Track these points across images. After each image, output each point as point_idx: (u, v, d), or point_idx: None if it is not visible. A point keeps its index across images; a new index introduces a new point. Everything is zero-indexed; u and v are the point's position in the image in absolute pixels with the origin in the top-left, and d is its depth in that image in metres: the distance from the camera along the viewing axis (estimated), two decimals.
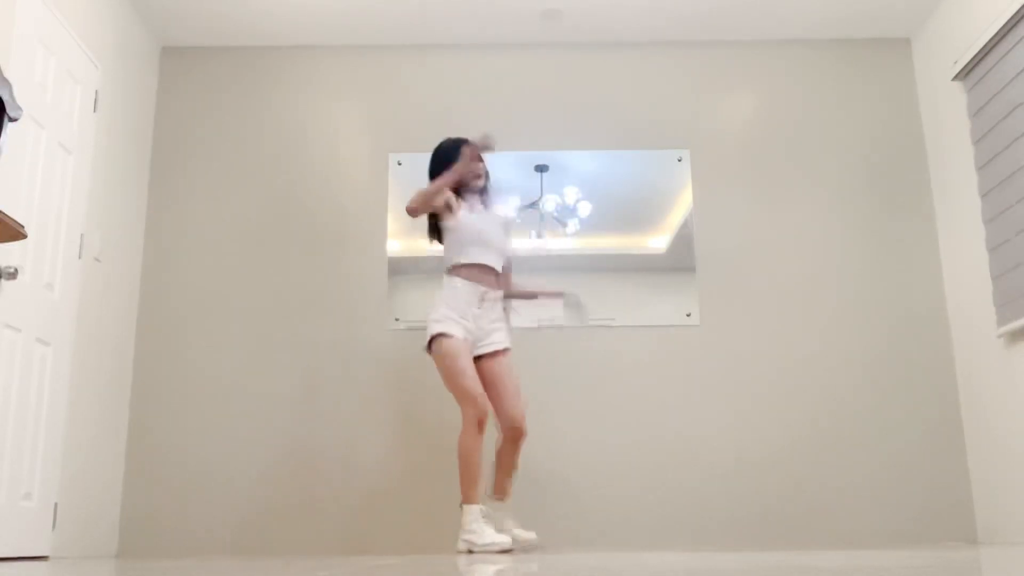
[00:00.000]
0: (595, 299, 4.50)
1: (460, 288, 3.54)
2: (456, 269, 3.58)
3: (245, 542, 4.21)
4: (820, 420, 4.37)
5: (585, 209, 4.59)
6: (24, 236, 2.38)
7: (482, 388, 3.44)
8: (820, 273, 4.55)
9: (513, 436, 3.53)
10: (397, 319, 4.46)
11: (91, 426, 3.96)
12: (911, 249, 4.58)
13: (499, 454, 3.58)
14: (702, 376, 4.43)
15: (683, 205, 4.62)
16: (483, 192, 3.75)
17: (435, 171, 3.69)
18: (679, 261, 4.54)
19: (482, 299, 3.55)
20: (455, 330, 3.46)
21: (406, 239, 4.55)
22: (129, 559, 3.49)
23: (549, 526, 4.22)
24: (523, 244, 4.52)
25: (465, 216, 3.62)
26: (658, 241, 4.59)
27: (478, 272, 3.57)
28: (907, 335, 4.47)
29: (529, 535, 3.53)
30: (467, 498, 3.36)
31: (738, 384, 4.42)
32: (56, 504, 3.64)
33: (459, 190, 3.68)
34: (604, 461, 4.31)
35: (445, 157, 3.69)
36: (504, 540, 3.24)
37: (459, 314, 3.50)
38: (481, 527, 3.29)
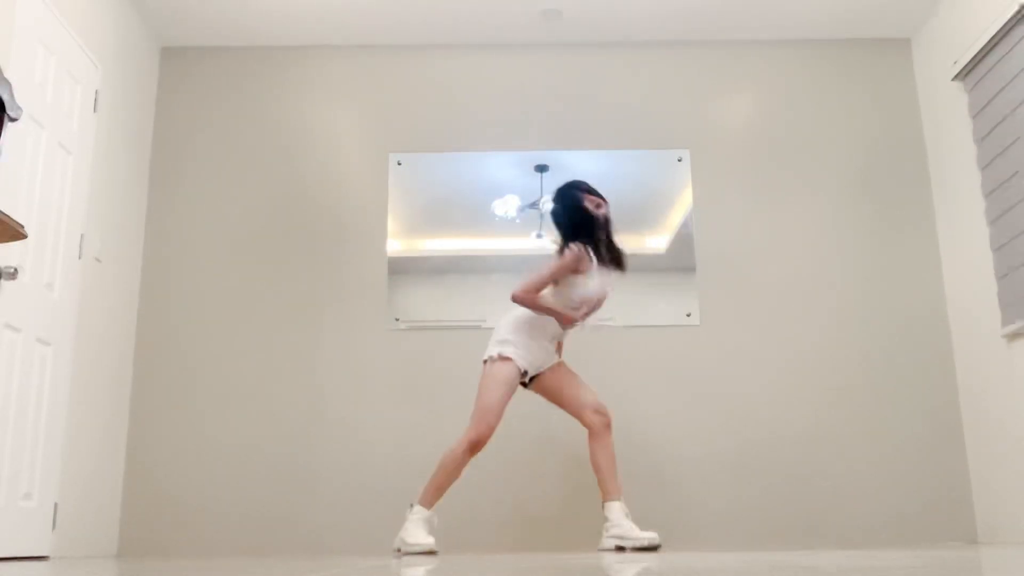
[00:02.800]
0: None
1: (552, 328, 3.62)
2: (561, 319, 3.61)
3: (245, 542, 4.21)
4: (820, 420, 4.37)
5: None
6: (24, 236, 2.38)
7: (499, 421, 3.47)
8: (820, 273, 4.55)
9: (603, 424, 3.53)
10: (397, 319, 4.46)
11: (91, 426, 3.96)
12: (911, 249, 4.58)
13: (595, 454, 3.55)
14: (702, 376, 4.43)
15: (683, 205, 4.62)
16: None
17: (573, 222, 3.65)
18: (679, 261, 4.54)
19: (556, 336, 3.67)
20: (524, 364, 3.53)
21: (406, 239, 4.55)
22: (129, 559, 3.49)
23: (548, 526, 4.22)
24: (523, 244, 4.51)
25: (595, 284, 3.60)
26: (658, 241, 4.58)
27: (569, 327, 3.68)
28: (907, 335, 4.47)
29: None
30: (423, 501, 3.46)
31: (738, 384, 4.42)
32: (56, 504, 3.64)
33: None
34: None
35: (580, 212, 3.66)
36: (430, 542, 3.36)
37: (537, 343, 3.58)
38: (416, 528, 3.41)
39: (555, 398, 3.65)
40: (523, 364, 3.52)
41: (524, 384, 3.62)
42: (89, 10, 3.98)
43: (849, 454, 4.33)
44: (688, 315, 4.49)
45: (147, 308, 4.49)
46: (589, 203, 3.65)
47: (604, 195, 3.72)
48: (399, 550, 3.44)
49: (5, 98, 2.29)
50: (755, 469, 4.31)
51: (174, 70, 4.78)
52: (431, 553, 3.37)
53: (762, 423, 4.37)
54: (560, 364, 3.67)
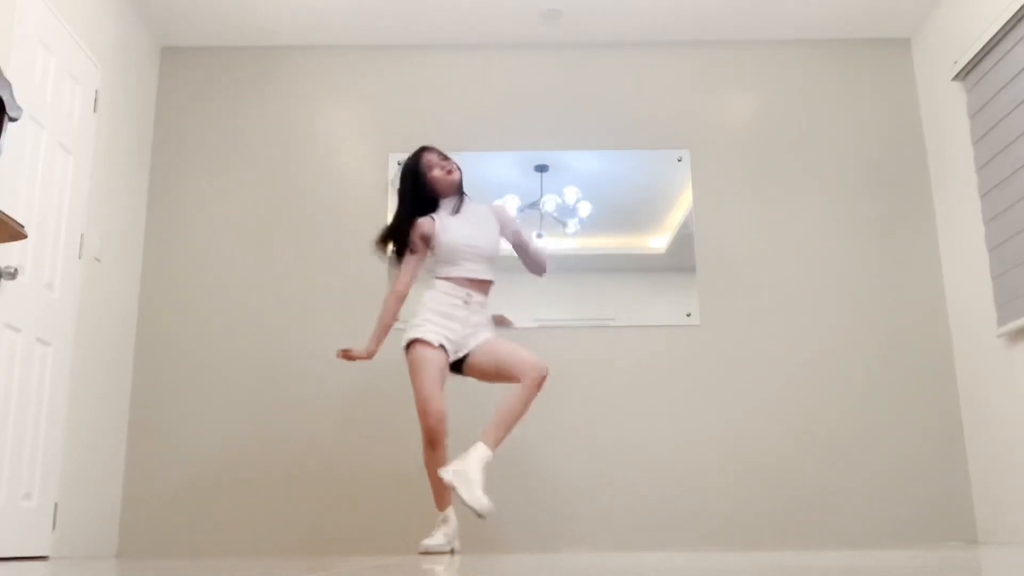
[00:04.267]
0: (595, 299, 4.50)
1: (443, 290, 3.46)
2: (440, 278, 3.50)
3: (245, 542, 4.21)
4: (820, 420, 4.37)
5: (585, 209, 4.59)
6: (24, 236, 2.38)
7: (439, 402, 3.30)
8: (820, 273, 4.55)
9: (534, 382, 3.31)
10: (397, 319, 4.45)
11: (91, 426, 3.96)
12: (911, 249, 4.58)
13: (511, 398, 3.31)
14: (702, 376, 4.43)
15: (683, 205, 4.62)
16: (461, 192, 3.63)
17: (406, 189, 3.61)
18: (679, 261, 4.54)
19: (467, 301, 3.46)
20: (432, 335, 3.37)
21: None
22: (129, 559, 3.49)
23: (548, 526, 4.22)
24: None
25: (447, 231, 3.50)
26: (658, 241, 4.58)
27: (465, 281, 3.49)
28: (907, 335, 4.47)
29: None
30: (436, 504, 3.47)
31: (738, 384, 4.42)
32: (56, 504, 3.64)
33: (436, 201, 3.58)
34: (604, 461, 4.31)
35: (411, 176, 3.60)
36: (440, 542, 3.36)
37: (443, 315, 3.42)
38: (436, 530, 3.42)
39: (490, 372, 3.43)
40: (435, 337, 3.35)
41: (456, 370, 3.45)
42: (89, 10, 3.98)
43: (849, 454, 4.33)
44: (688, 315, 4.49)
45: (147, 308, 4.49)
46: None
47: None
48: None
49: (5, 98, 2.29)
50: (755, 469, 4.31)
51: (174, 70, 4.78)
52: (446, 552, 3.36)
53: (762, 423, 4.37)
54: (488, 339, 3.45)
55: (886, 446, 4.34)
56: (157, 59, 4.77)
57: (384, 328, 3.56)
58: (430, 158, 3.61)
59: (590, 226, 4.58)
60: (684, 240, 4.57)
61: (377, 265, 4.53)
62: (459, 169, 3.63)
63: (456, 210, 3.59)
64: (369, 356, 3.54)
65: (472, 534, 4.17)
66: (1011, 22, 3.84)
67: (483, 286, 3.53)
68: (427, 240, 3.54)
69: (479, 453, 3.20)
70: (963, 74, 4.26)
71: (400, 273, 3.57)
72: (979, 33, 4.10)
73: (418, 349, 3.37)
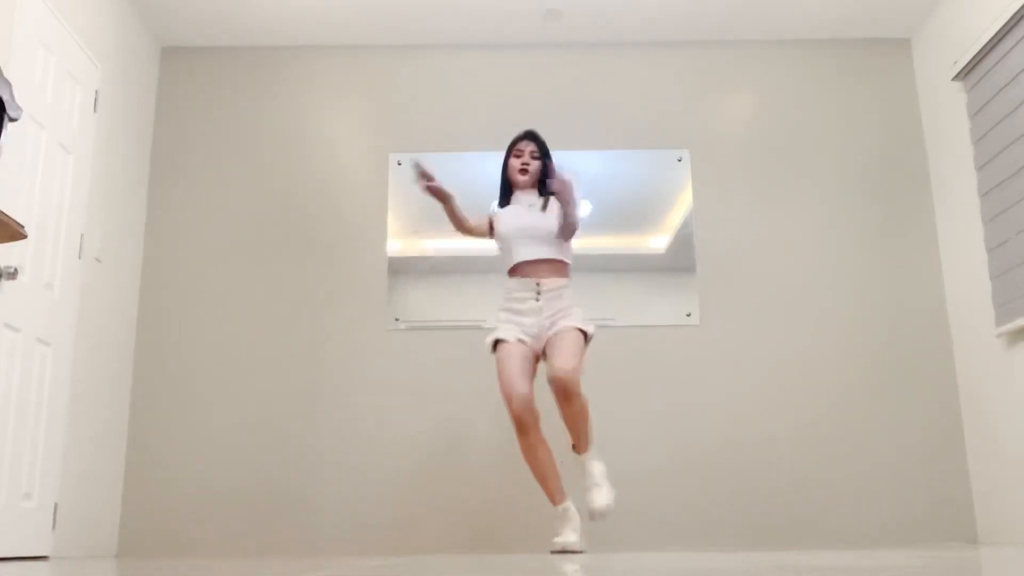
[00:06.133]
0: (595, 299, 4.50)
1: (513, 286, 3.51)
2: (509, 272, 3.57)
3: (245, 542, 4.21)
4: (820, 420, 4.37)
5: (585, 209, 4.60)
6: (24, 236, 2.38)
7: (521, 387, 3.32)
8: (820, 273, 4.55)
9: (556, 390, 3.28)
10: (397, 319, 4.46)
11: (91, 426, 3.97)
12: (911, 249, 4.58)
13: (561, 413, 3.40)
14: (702, 376, 4.43)
15: (683, 205, 4.62)
16: (543, 185, 3.64)
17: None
18: (679, 261, 4.54)
19: (538, 291, 3.46)
20: (508, 334, 3.44)
21: (406, 239, 4.55)
22: (129, 559, 3.49)
23: (548, 525, 4.22)
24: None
25: (503, 221, 3.59)
26: (658, 241, 4.58)
27: (528, 267, 3.50)
28: (907, 335, 4.47)
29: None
30: (550, 500, 3.45)
31: (738, 384, 4.42)
32: (56, 504, 3.64)
33: (511, 189, 3.69)
34: (603, 461, 4.31)
35: (504, 156, 3.75)
36: (568, 540, 3.30)
37: (515, 312, 3.47)
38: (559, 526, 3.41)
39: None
40: (509, 335, 3.43)
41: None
42: (89, 10, 3.98)
43: (850, 454, 4.33)
44: (688, 315, 4.49)
45: (147, 308, 4.49)
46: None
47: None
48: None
49: (5, 98, 2.29)
50: (756, 469, 4.31)
51: (174, 70, 4.78)
52: (581, 552, 3.29)
53: (762, 423, 4.37)
54: (559, 331, 3.41)
55: (886, 446, 4.34)
56: (157, 59, 4.77)
57: (454, 208, 3.63)
58: (521, 147, 3.71)
59: (590, 226, 4.58)
60: (684, 240, 4.57)
61: (376, 264, 4.53)
62: (539, 162, 3.67)
63: (509, 202, 3.69)
64: (436, 184, 3.52)
65: (472, 533, 4.17)
66: (1011, 22, 3.84)
67: (550, 268, 3.50)
68: (489, 227, 3.69)
69: (588, 468, 3.40)
70: (963, 74, 4.26)
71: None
72: (979, 33, 4.10)
73: (499, 349, 3.45)
